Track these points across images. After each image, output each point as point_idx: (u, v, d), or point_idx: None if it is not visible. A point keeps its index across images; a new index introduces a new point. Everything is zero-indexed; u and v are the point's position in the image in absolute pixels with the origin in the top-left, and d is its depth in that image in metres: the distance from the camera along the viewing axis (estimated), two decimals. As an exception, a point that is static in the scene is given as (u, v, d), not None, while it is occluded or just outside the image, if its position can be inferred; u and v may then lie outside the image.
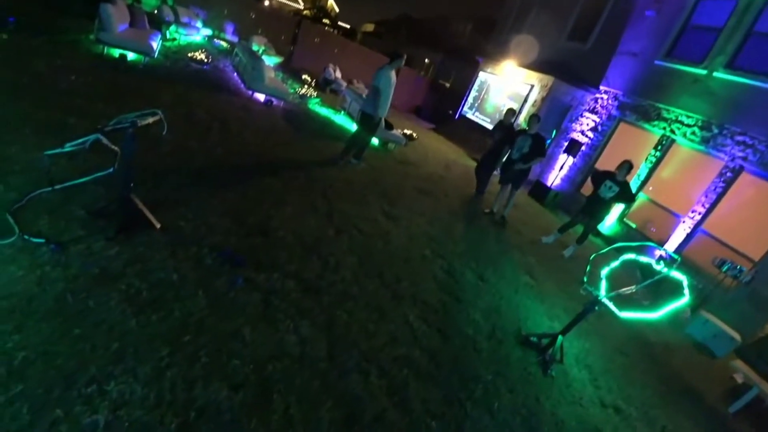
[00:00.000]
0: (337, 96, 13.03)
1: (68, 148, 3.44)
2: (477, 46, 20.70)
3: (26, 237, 2.70)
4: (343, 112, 11.05)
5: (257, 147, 6.18)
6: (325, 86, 13.98)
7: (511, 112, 8.36)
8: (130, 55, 7.51)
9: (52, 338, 2.20)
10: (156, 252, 3.08)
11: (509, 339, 4.17)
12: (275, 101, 9.18)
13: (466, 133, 15.51)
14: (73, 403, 1.96)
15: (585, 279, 4.00)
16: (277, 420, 2.29)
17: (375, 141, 7.73)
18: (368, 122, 6.77)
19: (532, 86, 13.58)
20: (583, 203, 7.47)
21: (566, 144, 12.12)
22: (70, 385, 2.02)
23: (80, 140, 3.41)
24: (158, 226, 3.37)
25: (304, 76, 13.56)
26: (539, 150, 7.31)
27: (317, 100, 11.59)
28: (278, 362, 2.63)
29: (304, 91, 11.49)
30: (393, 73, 6.62)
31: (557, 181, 12.64)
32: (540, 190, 11.89)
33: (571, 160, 12.12)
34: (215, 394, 2.29)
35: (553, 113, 13.16)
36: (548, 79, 13.03)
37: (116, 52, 7.37)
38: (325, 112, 10.68)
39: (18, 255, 2.59)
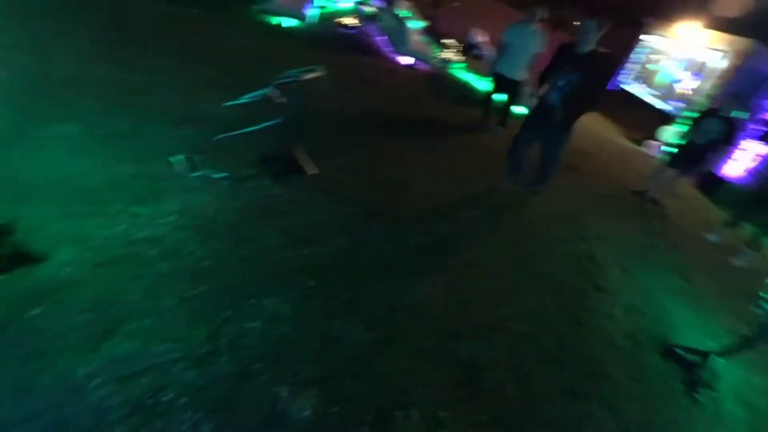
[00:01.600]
0: (480, 61, 12.57)
1: (245, 99, 4.00)
2: (642, 3, 17.67)
3: (210, 173, 3.27)
4: (487, 77, 10.63)
5: (400, 108, 6.38)
6: (469, 51, 13.56)
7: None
8: (289, 22, 8.31)
9: (225, 255, 2.66)
10: (310, 194, 3.46)
11: (650, 344, 3.71)
12: (419, 64, 9.27)
13: (623, 108, 13.63)
14: (239, 308, 2.37)
15: (762, 295, 3.29)
16: (399, 362, 2.44)
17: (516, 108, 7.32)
18: (506, 85, 6.39)
19: (719, 52, 11.19)
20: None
21: (765, 129, 9.84)
22: (237, 295, 2.44)
23: (255, 93, 3.93)
24: (312, 172, 3.75)
25: (447, 41, 13.34)
26: (730, 138, 5.95)
27: (461, 65, 11.34)
28: (404, 313, 2.77)
29: (447, 55, 11.32)
30: (531, 29, 5.96)
31: (739, 173, 10.44)
32: (710, 182, 9.99)
33: (766, 149, 9.84)
34: (352, 327, 2.52)
35: (746, 88, 10.73)
36: (745, 44, 10.58)
37: (276, 20, 8.22)
38: (468, 77, 10.42)
39: (204, 186, 3.16)
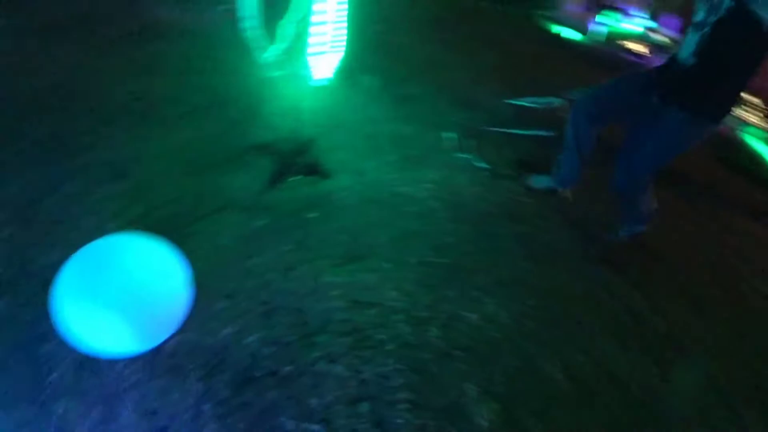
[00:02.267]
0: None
1: (527, 103, 3.95)
2: None
3: (474, 159, 3.33)
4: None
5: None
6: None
7: None
8: (570, 34, 7.92)
9: (467, 240, 2.65)
10: (554, 213, 3.16)
11: None
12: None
13: None
14: (462, 294, 2.31)
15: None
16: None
17: None
18: None
19: None
20: None
21: None
22: (465, 281, 2.38)
23: (541, 99, 3.83)
24: (565, 195, 3.45)
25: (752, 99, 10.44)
26: None
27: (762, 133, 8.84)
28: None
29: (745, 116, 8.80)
30: None
31: None
32: None
33: None
34: (551, 367, 2.22)
35: None
36: None
37: (557, 29, 7.93)
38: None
39: (465, 169, 3.23)
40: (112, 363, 1.76)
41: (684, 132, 2.02)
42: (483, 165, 3.31)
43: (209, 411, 1.70)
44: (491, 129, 3.66)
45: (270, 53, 3.50)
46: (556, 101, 3.64)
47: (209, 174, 2.61)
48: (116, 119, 3.03)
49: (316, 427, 1.71)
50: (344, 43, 3.58)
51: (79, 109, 3.06)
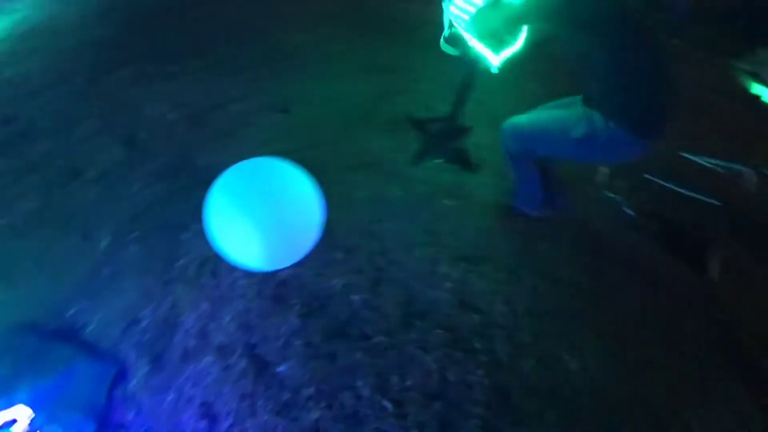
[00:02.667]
0: None
1: (707, 162, 3.41)
2: None
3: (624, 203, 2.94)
4: None
5: None
6: None
7: None
8: None
9: (588, 277, 2.35)
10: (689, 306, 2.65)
11: None
12: None
13: None
14: (570, 336, 2.04)
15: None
16: None
17: None
18: None
19: None
20: None
21: None
22: (574, 324, 2.10)
23: (725, 162, 3.30)
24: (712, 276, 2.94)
25: None
26: None
27: None
28: None
29: None
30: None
31: None
32: None
33: None
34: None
35: None
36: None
37: (758, 90, 6.69)
38: None
39: (608, 209, 2.81)
40: (231, 270, 1.89)
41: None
42: (629, 211, 2.95)
43: (298, 347, 1.74)
44: (652, 179, 3.25)
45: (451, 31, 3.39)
46: (743, 169, 3.09)
47: (362, 131, 2.67)
48: (289, 61, 3.27)
49: (387, 404, 1.66)
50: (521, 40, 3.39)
51: (260, 45, 3.35)
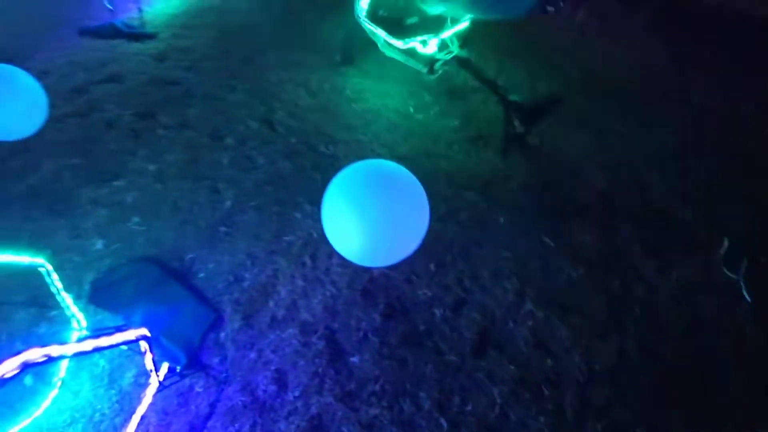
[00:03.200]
0: None
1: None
2: None
3: (740, 283, 2.59)
4: None
5: None
6: None
7: None
8: None
9: (676, 364, 2.12)
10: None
11: None
12: None
13: None
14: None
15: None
16: None
17: None
18: None
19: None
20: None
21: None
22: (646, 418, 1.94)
23: None
24: None
25: None
26: None
27: None
28: None
29: None
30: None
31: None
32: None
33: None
34: None
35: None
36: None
37: None
38: None
39: (723, 290, 2.51)
40: (329, 256, 2.02)
41: None
42: (746, 296, 2.62)
43: (374, 343, 1.82)
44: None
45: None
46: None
47: (482, 151, 2.70)
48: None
49: (444, 422, 1.67)
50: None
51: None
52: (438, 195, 2.25)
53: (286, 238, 2.10)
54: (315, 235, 2.10)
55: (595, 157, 2.72)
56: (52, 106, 2.99)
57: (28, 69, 3.29)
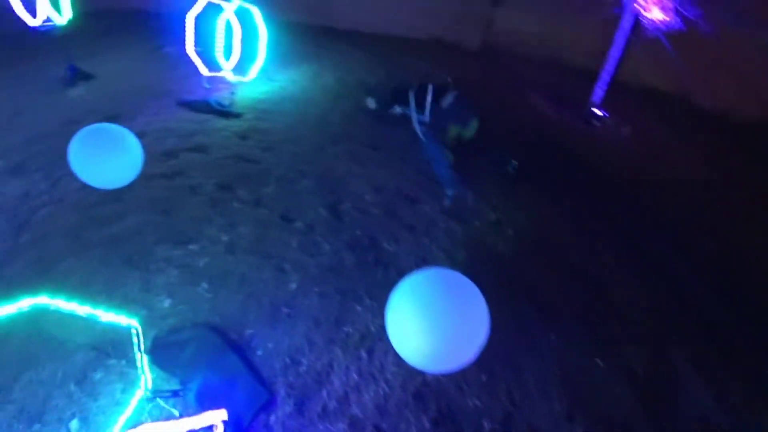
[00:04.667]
0: None
1: None
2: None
3: None
4: None
5: None
6: None
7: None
8: None
9: None
10: None
11: None
12: None
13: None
14: None
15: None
16: None
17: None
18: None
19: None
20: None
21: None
22: None
23: None
24: None
25: None
26: None
27: None
28: None
29: None
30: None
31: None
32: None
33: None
34: None
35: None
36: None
37: None
38: None
39: None
40: (386, 353, 2.10)
41: None
42: None
43: (420, 450, 1.83)
44: None
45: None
46: None
47: (543, 270, 2.87)
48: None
49: None
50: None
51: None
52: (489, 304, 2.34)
53: (345, 329, 2.21)
54: (373, 329, 2.21)
55: (645, 277, 2.82)
56: (145, 164, 3.36)
57: (129, 128, 3.77)
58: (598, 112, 4.90)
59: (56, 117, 3.91)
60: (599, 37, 5.91)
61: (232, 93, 4.27)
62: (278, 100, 4.46)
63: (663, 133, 4.86)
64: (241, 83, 4.47)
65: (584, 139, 4.54)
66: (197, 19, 4.02)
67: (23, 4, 4.02)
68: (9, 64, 5.05)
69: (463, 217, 3.06)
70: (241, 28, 4.00)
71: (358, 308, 2.30)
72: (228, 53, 4.06)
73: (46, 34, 4.27)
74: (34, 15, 4.11)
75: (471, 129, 3.58)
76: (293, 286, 2.41)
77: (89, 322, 2.01)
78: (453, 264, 2.66)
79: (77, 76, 4.63)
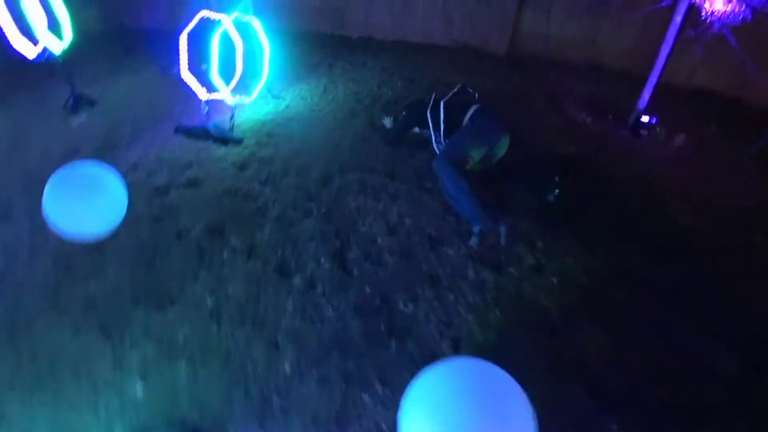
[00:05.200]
0: None
1: None
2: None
3: None
4: None
5: None
6: None
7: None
8: None
9: None
10: None
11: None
12: None
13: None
14: None
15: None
16: None
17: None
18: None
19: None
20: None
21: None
22: None
23: None
24: None
25: None
26: None
27: None
28: None
29: None
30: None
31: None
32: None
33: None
34: None
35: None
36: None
37: None
38: None
39: None
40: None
41: None
42: None
43: None
44: None
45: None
46: None
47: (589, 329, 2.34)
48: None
49: None
50: None
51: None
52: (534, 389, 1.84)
53: (350, 429, 1.74)
54: (384, 428, 1.73)
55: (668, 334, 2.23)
56: (132, 204, 3.00)
57: (124, 159, 3.48)
58: (646, 120, 4.28)
59: (55, 149, 3.66)
60: (642, 36, 5.29)
61: (233, 116, 3.89)
62: (283, 122, 4.05)
63: (724, 144, 4.20)
64: (243, 104, 4.09)
65: (633, 153, 3.94)
66: (198, 36, 3.65)
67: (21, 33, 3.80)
68: (10, 92, 4.87)
69: (496, 262, 2.54)
70: (243, 42, 3.61)
71: (366, 398, 1.83)
72: (228, 73, 3.67)
73: (48, 61, 4.05)
74: (34, 43, 3.89)
75: (501, 148, 3.05)
76: (287, 368, 1.96)
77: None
78: (485, 329, 2.16)
79: (80, 103, 4.39)
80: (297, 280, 2.36)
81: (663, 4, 4.28)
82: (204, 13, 3.54)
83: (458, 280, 2.40)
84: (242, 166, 3.36)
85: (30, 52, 3.87)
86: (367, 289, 2.31)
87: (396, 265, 2.47)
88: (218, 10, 3.86)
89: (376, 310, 2.21)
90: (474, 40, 6.03)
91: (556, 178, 2.96)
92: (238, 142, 3.69)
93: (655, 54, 5.33)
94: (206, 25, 3.61)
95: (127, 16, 7.10)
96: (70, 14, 3.99)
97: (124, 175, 3.28)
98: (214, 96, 3.74)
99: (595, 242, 2.72)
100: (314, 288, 2.32)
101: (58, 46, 3.98)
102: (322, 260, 2.48)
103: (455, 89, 3.32)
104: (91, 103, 4.51)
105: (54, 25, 4.01)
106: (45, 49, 4.01)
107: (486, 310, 2.26)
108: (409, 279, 2.39)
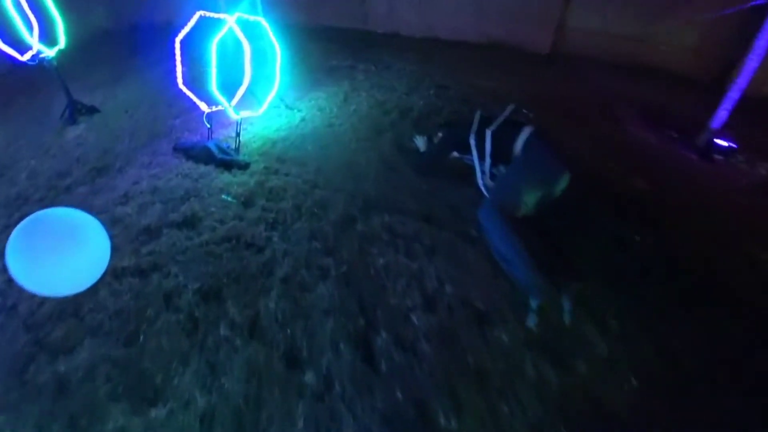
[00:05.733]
0: None
1: None
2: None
3: None
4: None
5: None
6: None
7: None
8: None
9: None
10: None
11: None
12: None
13: None
14: None
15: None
16: None
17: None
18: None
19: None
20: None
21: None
22: None
23: None
24: None
25: None
26: None
27: None
28: None
29: None
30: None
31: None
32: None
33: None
34: None
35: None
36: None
37: None
38: None
39: None
40: None
41: None
42: None
43: None
44: None
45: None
46: None
47: None
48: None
49: None
50: None
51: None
52: None
53: None
54: None
55: None
56: (118, 249, 2.55)
57: (114, 187, 3.04)
58: (723, 143, 3.62)
59: (44, 171, 3.27)
60: (707, 36, 4.56)
61: (238, 134, 3.39)
62: (297, 141, 3.54)
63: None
64: (251, 117, 3.58)
65: (710, 187, 3.30)
66: (201, 39, 3.13)
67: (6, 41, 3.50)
68: (10, 100, 4.49)
69: (559, 352, 2.00)
70: (250, 46, 3.08)
71: None
72: (233, 82, 3.16)
73: (42, 65, 3.70)
74: (22, 52, 3.60)
75: (560, 186, 2.48)
76: None
77: None
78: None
79: (79, 112, 4.02)
80: (309, 376, 1.87)
81: (751, 3, 3.58)
82: (202, 13, 3.02)
83: (514, 380, 1.88)
84: (247, 202, 2.87)
85: (22, 55, 3.61)
86: (398, 394, 1.81)
87: (435, 357, 1.95)
88: (227, 10, 3.35)
89: (409, 426, 1.71)
90: (512, 36, 5.37)
91: (637, 238, 2.39)
92: (244, 167, 3.20)
93: (724, 58, 4.57)
94: (208, 26, 3.09)
95: (138, 14, 6.74)
96: (77, 14, 3.77)
97: (113, 208, 2.86)
98: (217, 109, 3.25)
99: (683, 318, 2.15)
100: (330, 389, 1.83)
101: (51, 51, 3.68)
102: (342, 346, 1.98)
103: (506, 112, 2.75)
104: (93, 111, 4.13)
105: (48, 30, 3.68)
106: (38, 53, 3.67)
107: (549, 428, 1.74)
108: (451, 376, 1.88)
